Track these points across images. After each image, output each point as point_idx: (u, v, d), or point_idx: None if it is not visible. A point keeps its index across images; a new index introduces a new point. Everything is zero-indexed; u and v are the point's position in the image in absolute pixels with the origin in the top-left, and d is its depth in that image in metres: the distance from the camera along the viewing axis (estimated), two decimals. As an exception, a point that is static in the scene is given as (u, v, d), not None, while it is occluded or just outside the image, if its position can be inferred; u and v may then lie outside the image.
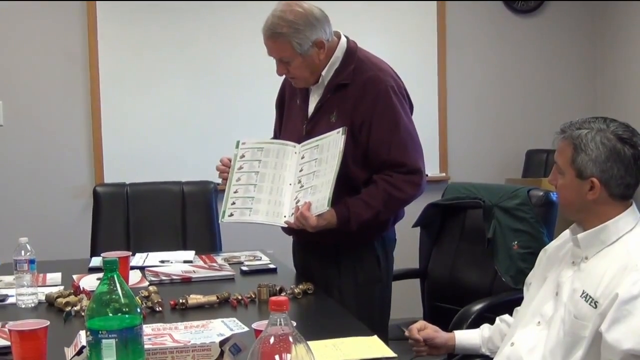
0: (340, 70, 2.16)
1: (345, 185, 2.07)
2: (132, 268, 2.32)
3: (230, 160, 2.22)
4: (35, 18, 3.95)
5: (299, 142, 2.18)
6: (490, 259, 2.49)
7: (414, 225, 2.77)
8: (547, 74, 4.63)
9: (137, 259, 2.52)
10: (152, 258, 2.56)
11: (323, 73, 2.16)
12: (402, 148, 2.10)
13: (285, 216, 2.11)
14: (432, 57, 4.42)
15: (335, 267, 2.19)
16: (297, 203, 2.09)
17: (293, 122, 2.26)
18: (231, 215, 2.15)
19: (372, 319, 2.10)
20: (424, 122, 4.19)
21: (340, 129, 2.07)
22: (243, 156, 2.21)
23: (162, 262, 2.50)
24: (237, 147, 2.23)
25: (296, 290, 2.02)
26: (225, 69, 4.13)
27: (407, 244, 2.59)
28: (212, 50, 4.12)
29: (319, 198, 2.04)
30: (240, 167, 2.20)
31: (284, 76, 2.25)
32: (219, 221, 2.20)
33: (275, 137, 2.38)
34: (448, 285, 2.66)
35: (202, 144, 4.08)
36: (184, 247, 2.91)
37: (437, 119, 4.45)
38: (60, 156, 4.01)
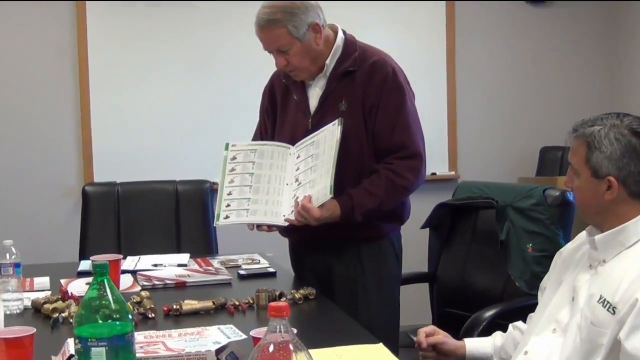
0: (343, 59, 2.21)
1: (362, 179, 2.15)
2: (123, 272, 2.32)
3: None
4: (21, 10, 3.95)
5: (305, 135, 2.21)
6: (503, 262, 2.49)
7: (423, 227, 2.78)
8: (563, 66, 4.63)
9: (129, 263, 2.53)
10: (144, 261, 2.56)
11: (327, 62, 2.20)
12: (405, 130, 2.17)
13: (284, 215, 2.16)
14: (441, 48, 4.42)
15: (359, 263, 2.23)
16: (296, 200, 2.13)
17: (293, 120, 2.29)
18: (227, 217, 2.19)
19: (392, 322, 2.18)
20: (432, 117, 4.22)
21: (336, 120, 2.13)
22: (235, 158, 2.26)
23: (155, 265, 2.50)
24: (226, 149, 2.27)
25: (297, 295, 2.02)
26: (221, 62, 4.14)
27: (415, 246, 2.59)
28: (207, 43, 4.13)
29: (319, 189, 2.10)
30: (233, 169, 2.24)
31: (267, 80, 2.35)
32: (214, 224, 2.24)
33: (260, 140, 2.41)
34: (458, 290, 2.66)
35: (197, 141, 4.09)
36: (178, 250, 2.91)
37: (446, 115, 4.45)
38: (47, 154, 4.02)
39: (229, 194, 2.21)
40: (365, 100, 2.17)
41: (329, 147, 2.12)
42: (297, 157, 2.22)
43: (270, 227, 2.21)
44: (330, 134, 2.14)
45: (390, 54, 2.29)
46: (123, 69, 4.05)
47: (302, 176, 2.18)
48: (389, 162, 2.16)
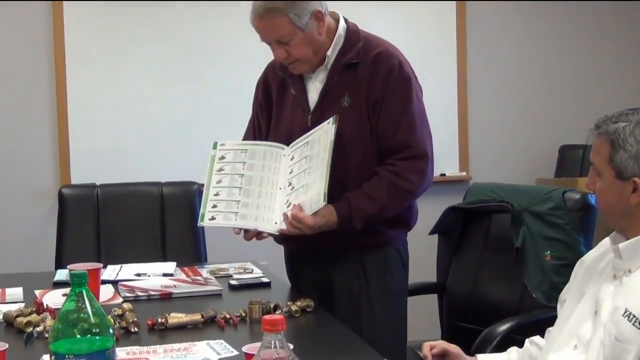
0: (345, 50, 2.20)
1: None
2: (104, 282, 2.32)
3: None
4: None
5: (304, 133, 2.21)
6: (518, 271, 2.49)
7: (431, 233, 2.78)
8: (584, 58, 4.64)
9: (109, 272, 2.53)
10: (126, 271, 2.56)
11: (328, 53, 2.20)
12: (409, 128, 2.16)
13: (276, 222, 2.16)
14: (451, 41, 4.43)
15: (362, 273, 2.23)
16: (288, 207, 2.14)
17: (290, 116, 2.29)
18: (213, 218, 2.20)
19: (398, 337, 2.19)
20: (441, 113, 4.23)
21: (331, 119, 2.12)
22: (223, 157, 2.27)
23: (138, 275, 2.50)
24: (214, 147, 2.28)
25: (293, 308, 2.02)
26: (208, 56, 4.16)
27: (423, 254, 2.59)
28: (194, 36, 4.14)
29: (312, 195, 2.10)
30: (221, 169, 2.25)
31: (262, 73, 2.35)
32: (198, 224, 2.25)
33: (253, 139, 2.41)
34: (470, 302, 2.66)
35: (184, 139, 4.09)
36: (164, 258, 2.91)
37: (456, 110, 4.46)
38: (20, 153, 4.02)
39: (216, 194, 2.22)
40: (370, 95, 2.17)
41: (323, 148, 2.11)
42: (292, 159, 2.22)
43: (260, 235, 2.21)
44: (325, 133, 2.13)
45: (398, 45, 2.28)
46: (104, 64, 4.05)
47: (295, 180, 2.18)
48: (391, 164, 2.16)
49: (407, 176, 2.15)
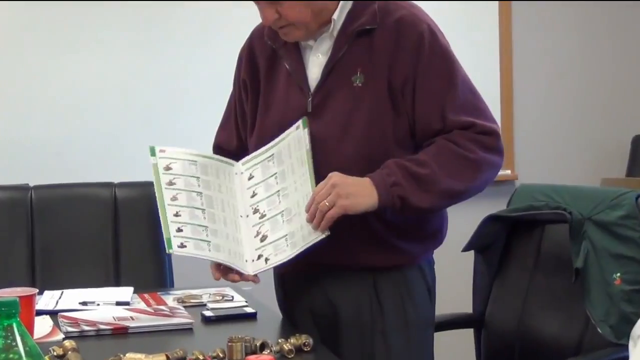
0: (357, 13, 2.19)
1: None
2: (39, 313, 2.31)
3: None
4: None
5: (301, 124, 2.20)
6: (579, 299, 2.49)
7: (466, 249, 2.79)
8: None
9: (47, 300, 2.53)
10: (69, 298, 2.56)
11: (334, 17, 2.19)
12: (462, 108, 2.16)
13: (247, 260, 2.21)
14: (493, 18, 4.49)
15: (375, 301, 2.24)
16: (262, 241, 2.19)
17: (284, 99, 2.29)
18: (183, 246, 2.22)
19: None
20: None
21: (299, 122, 2.16)
22: (169, 168, 2.28)
23: (84, 304, 2.50)
24: (152, 154, 2.29)
25: (286, 346, 2.02)
26: (172, 23, 4.16)
27: (454, 277, 2.58)
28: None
29: (303, 224, 2.12)
30: (171, 183, 2.27)
31: (245, 42, 2.37)
32: (166, 251, 2.25)
33: (235, 127, 2.44)
34: (516, 338, 2.66)
35: (144, 127, 4.10)
36: (117, 282, 2.92)
37: (499, 95, 4.49)
38: None
39: (177, 214, 2.23)
40: (393, 72, 2.16)
41: (299, 161, 2.15)
42: (250, 179, 2.25)
43: (228, 273, 2.22)
44: (296, 142, 2.16)
45: None
46: (41, 28, 4.05)
47: (264, 205, 2.22)
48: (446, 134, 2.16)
49: (467, 145, 2.12)
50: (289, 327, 2.30)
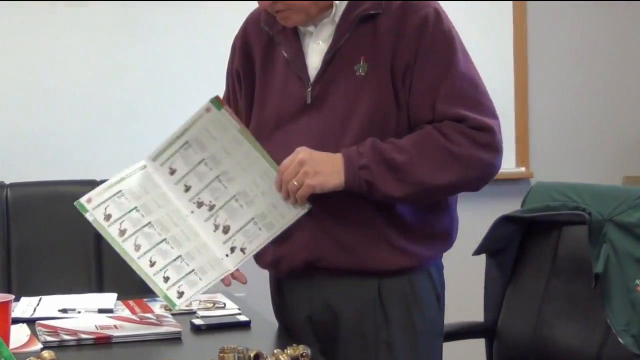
0: None
1: None
2: (15, 321, 2.32)
3: None
4: None
5: (301, 114, 2.23)
6: (599, 306, 2.50)
7: (477, 252, 2.80)
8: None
9: (24, 307, 2.54)
10: (47, 305, 2.56)
11: (336, 1, 2.19)
12: (456, 99, 2.16)
13: (222, 259, 2.23)
14: (508, 8, 4.50)
15: (380, 308, 2.24)
16: (226, 232, 2.21)
17: (282, 89, 2.29)
18: (181, 294, 2.23)
19: None
20: (493, 92, 4.21)
21: (209, 104, 2.18)
22: (109, 216, 2.26)
23: (64, 311, 2.51)
24: (83, 210, 2.27)
25: (282, 357, 2.02)
26: (165, 14, 4.17)
27: (464, 283, 2.58)
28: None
29: (275, 203, 2.16)
30: (122, 232, 2.25)
31: (239, 29, 2.39)
32: (173, 309, 2.29)
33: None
34: (531, 349, 2.67)
35: (128, 122, 4.11)
36: (100, 288, 2.93)
37: (513, 88, 4.50)
38: None
39: (153, 265, 2.23)
40: (396, 59, 2.16)
41: (232, 142, 2.18)
42: (172, 173, 2.25)
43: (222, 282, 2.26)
44: (216, 124, 2.18)
45: None
46: (16, 17, 4.05)
47: (207, 196, 2.23)
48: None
49: (454, 137, 2.12)
50: (286, 336, 2.30)
